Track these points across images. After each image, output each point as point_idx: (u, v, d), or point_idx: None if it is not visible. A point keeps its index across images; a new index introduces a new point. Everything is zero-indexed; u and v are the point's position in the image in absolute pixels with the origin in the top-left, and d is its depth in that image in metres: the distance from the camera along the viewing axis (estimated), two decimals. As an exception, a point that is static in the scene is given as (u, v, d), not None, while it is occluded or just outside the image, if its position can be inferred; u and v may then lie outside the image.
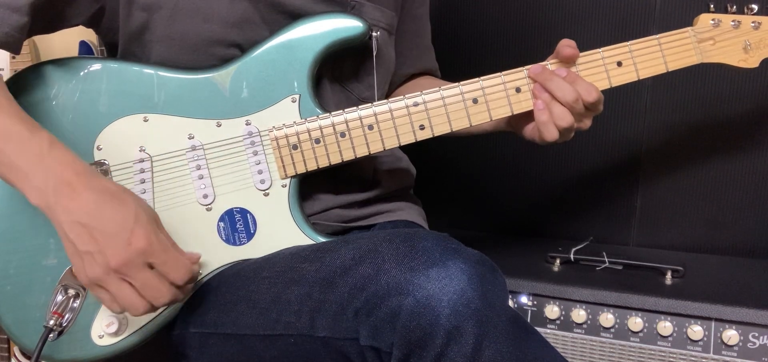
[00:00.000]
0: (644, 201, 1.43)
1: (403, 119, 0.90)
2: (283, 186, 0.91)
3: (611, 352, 1.14)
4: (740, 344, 1.07)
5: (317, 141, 0.90)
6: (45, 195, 0.75)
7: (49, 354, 0.88)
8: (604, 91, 0.92)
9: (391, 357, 0.73)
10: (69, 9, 0.88)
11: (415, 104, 0.90)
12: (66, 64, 0.89)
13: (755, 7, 0.94)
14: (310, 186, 0.94)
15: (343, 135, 0.90)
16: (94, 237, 0.74)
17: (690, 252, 1.39)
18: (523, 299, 1.19)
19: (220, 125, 0.89)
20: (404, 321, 0.71)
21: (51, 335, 0.86)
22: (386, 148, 0.91)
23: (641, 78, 0.93)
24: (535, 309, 1.18)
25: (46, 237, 0.87)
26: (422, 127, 0.90)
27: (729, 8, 0.95)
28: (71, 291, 0.88)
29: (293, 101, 0.90)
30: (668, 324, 1.11)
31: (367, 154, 0.90)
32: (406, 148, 0.95)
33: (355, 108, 0.90)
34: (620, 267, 1.26)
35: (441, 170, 1.54)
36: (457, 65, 1.14)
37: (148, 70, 0.89)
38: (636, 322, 1.12)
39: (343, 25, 0.90)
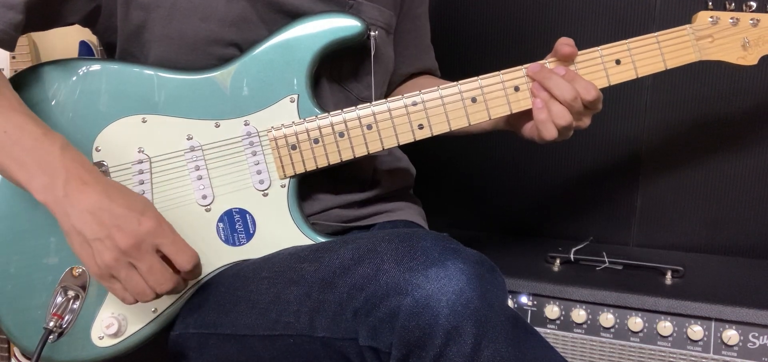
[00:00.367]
0: (644, 201, 1.43)
1: (402, 119, 0.90)
2: (282, 186, 0.91)
3: (611, 352, 1.14)
4: (740, 344, 1.07)
5: (316, 141, 0.90)
6: (53, 191, 0.76)
7: (49, 356, 0.88)
8: (603, 90, 0.92)
9: (390, 357, 0.73)
10: (64, 7, 0.88)
11: (414, 104, 0.90)
12: (65, 65, 0.89)
13: (754, 4, 0.94)
14: (309, 187, 0.94)
15: (341, 135, 0.90)
16: (103, 222, 0.75)
17: (690, 252, 1.39)
18: (523, 299, 1.19)
19: (219, 126, 0.89)
20: (403, 321, 0.71)
21: (51, 336, 0.86)
22: (385, 148, 0.90)
23: (640, 76, 0.93)
24: (535, 309, 1.18)
25: (46, 238, 0.87)
26: (421, 127, 0.90)
27: (727, 6, 0.95)
28: (71, 293, 0.88)
29: (292, 101, 0.90)
30: (668, 324, 1.10)
31: (366, 153, 0.90)
32: (405, 148, 0.95)
33: (353, 108, 0.90)
34: (620, 267, 1.26)
35: (441, 170, 1.54)
36: (455, 65, 1.13)
37: (147, 71, 0.89)
38: (636, 322, 1.12)
39: (341, 25, 0.90)
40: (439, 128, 0.91)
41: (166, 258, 0.79)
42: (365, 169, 1.01)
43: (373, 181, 1.03)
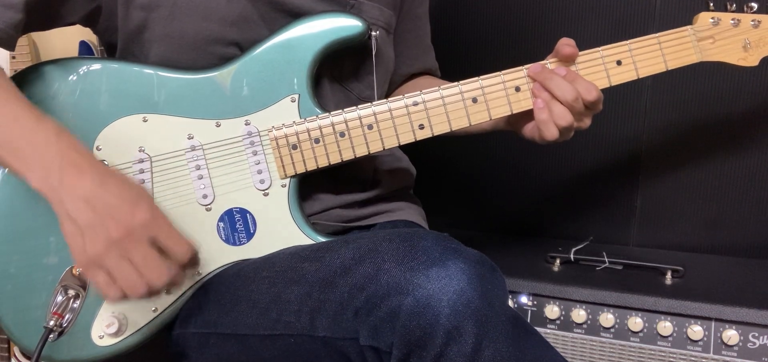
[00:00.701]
0: (644, 201, 1.43)
1: (403, 119, 0.90)
2: (283, 186, 0.91)
3: (611, 352, 1.14)
4: (740, 344, 1.07)
5: (317, 141, 0.90)
6: (48, 179, 0.76)
7: (49, 355, 0.88)
8: (603, 90, 0.92)
9: (391, 357, 0.73)
10: (64, 7, 0.88)
11: (415, 104, 0.90)
12: (66, 64, 0.89)
13: (755, 5, 0.94)
14: (309, 186, 0.94)
15: (342, 135, 0.90)
16: (96, 209, 0.75)
17: (690, 252, 1.39)
18: (523, 299, 1.19)
19: (220, 125, 0.89)
20: (404, 321, 0.71)
21: (51, 336, 0.86)
22: (386, 148, 0.90)
23: (641, 77, 0.93)
24: (535, 309, 1.18)
25: (47, 238, 0.87)
26: (422, 127, 0.90)
27: (728, 7, 0.95)
28: (71, 292, 0.88)
29: (293, 101, 0.90)
30: (668, 324, 1.10)
31: (367, 153, 0.90)
32: (405, 148, 0.95)
33: (354, 107, 0.90)
34: (620, 267, 1.26)
35: (441, 170, 1.53)
36: (456, 65, 1.13)
37: (148, 71, 0.89)
38: (636, 322, 1.12)
39: (342, 25, 0.90)
40: (440, 128, 0.91)
41: (162, 252, 0.78)
42: (366, 169, 1.01)
43: (374, 181, 1.03)
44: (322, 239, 0.91)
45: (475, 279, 0.71)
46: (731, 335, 1.07)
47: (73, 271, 0.88)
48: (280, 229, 0.90)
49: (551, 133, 0.89)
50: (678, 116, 1.37)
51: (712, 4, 0.95)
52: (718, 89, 1.32)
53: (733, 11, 0.95)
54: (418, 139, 0.91)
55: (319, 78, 0.93)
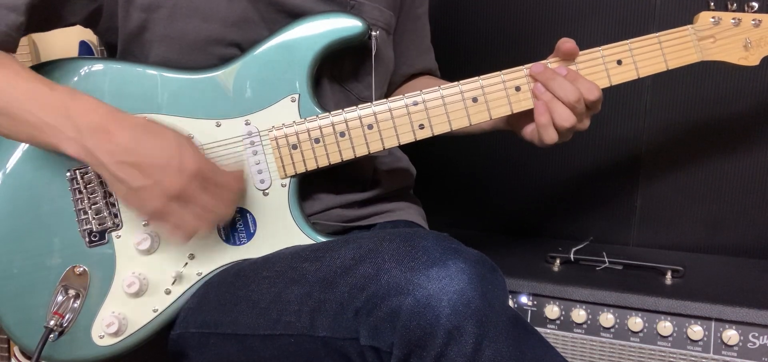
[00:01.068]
0: (644, 201, 1.43)
1: (403, 119, 0.90)
2: (283, 185, 0.91)
3: (611, 352, 1.14)
4: (740, 344, 1.07)
5: (317, 140, 0.90)
6: (82, 144, 0.77)
7: (50, 355, 0.88)
8: (604, 90, 0.92)
9: (391, 357, 0.73)
10: (66, 8, 0.88)
11: (415, 103, 0.90)
12: (67, 65, 0.89)
13: (755, 4, 0.94)
14: (310, 186, 0.94)
15: (342, 135, 0.90)
16: (143, 169, 0.77)
17: (690, 252, 1.39)
18: (523, 299, 1.19)
19: (220, 125, 0.89)
20: (404, 321, 0.71)
21: (51, 335, 0.86)
22: (386, 148, 0.90)
23: (641, 76, 0.93)
24: (535, 309, 1.18)
25: (48, 238, 0.87)
26: (422, 127, 0.90)
27: (729, 6, 0.95)
28: (72, 292, 0.88)
29: (293, 101, 0.90)
30: (668, 324, 1.10)
31: (367, 153, 0.90)
32: (405, 148, 0.95)
33: (354, 107, 0.90)
34: (620, 267, 1.26)
35: (441, 170, 1.53)
36: (456, 64, 1.13)
37: (150, 71, 0.89)
38: (636, 322, 1.12)
39: (342, 25, 0.90)
40: (440, 128, 0.91)
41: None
42: (366, 169, 1.01)
43: (374, 181, 1.03)
44: (322, 239, 0.91)
45: (476, 279, 0.71)
46: (731, 335, 1.07)
47: (75, 271, 0.88)
48: (280, 229, 0.90)
49: (551, 137, 0.89)
50: (678, 116, 1.37)
51: (712, 4, 0.95)
52: (718, 89, 1.32)
53: (733, 11, 0.95)
54: (418, 139, 0.91)
55: (319, 78, 0.93)
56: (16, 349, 1.44)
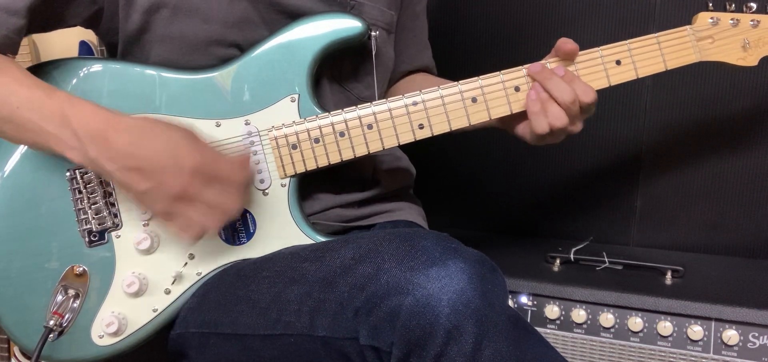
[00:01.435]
0: (644, 201, 1.43)
1: (402, 119, 0.90)
2: (283, 185, 0.91)
3: (611, 352, 1.14)
4: (740, 344, 1.07)
5: (316, 140, 0.90)
6: (83, 152, 0.78)
7: (49, 355, 0.88)
8: (602, 90, 0.92)
9: (391, 357, 0.73)
10: (67, 10, 0.88)
11: (414, 103, 0.90)
12: (67, 65, 0.89)
13: (754, 5, 0.94)
14: (309, 186, 0.94)
15: (342, 134, 0.90)
16: (146, 175, 0.77)
17: (690, 252, 1.39)
18: (523, 299, 1.19)
19: (220, 125, 0.89)
20: (404, 321, 0.71)
21: (51, 335, 0.86)
22: (385, 148, 0.90)
23: (640, 77, 0.93)
24: (535, 309, 1.18)
25: (48, 238, 0.87)
26: (421, 126, 0.90)
27: (728, 6, 0.95)
28: (71, 292, 0.88)
29: (292, 101, 0.90)
30: (668, 324, 1.10)
31: (367, 153, 0.90)
32: (405, 148, 0.95)
33: (354, 107, 0.90)
34: (620, 267, 1.26)
35: (441, 170, 1.54)
36: (456, 64, 1.14)
37: (149, 71, 0.89)
38: (636, 322, 1.12)
39: (342, 25, 0.90)
40: (440, 128, 0.91)
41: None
42: (365, 169, 1.01)
43: (373, 181, 1.03)
44: (322, 239, 0.91)
45: (475, 278, 0.71)
46: (731, 335, 1.07)
47: (74, 271, 0.88)
48: (280, 229, 0.91)
49: (542, 127, 0.88)
50: (678, 116, 1.37)
51: (711, 4, 0.95)
52: (717, 89, 1.32)
53: (732, 11, 0.95)
54: (417, 139, 0.91)
55: (318, 78, 0.93)
56: (16, 349, 1.44)
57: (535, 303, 1.18)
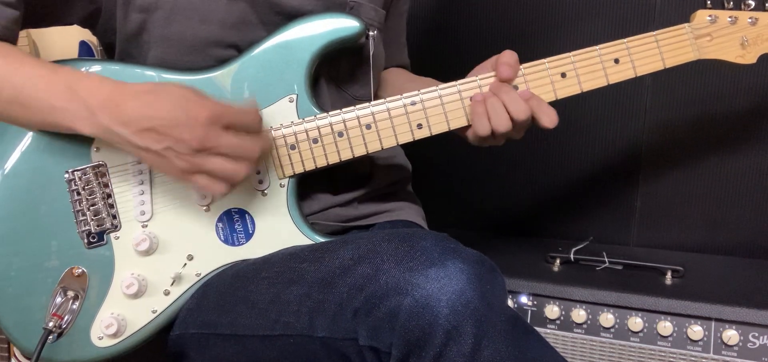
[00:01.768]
0: (644, 201, 1.43)
1: (401, 118, 0.90)
2: (281, 186, 0.91)
3: (611, 352, 1.14)
4: (740, 344, 1.07)
5: (315, 141, 0.90)
6: (95, 121, 0.78)
7: (49, 356, 0.88)
8: (602, 90, 0.92)
9: (390, 357, 0.73)
10: (64, 8, 0.89)
11: (413, 103, 0.90)
12: (66, 65, 0.89)
13: (752, 2, 0.94)
14: (308, 186, 0.94)
15: (340, 135, 0.90)
16: (162, 132, 0.77)
17: (690, 252, 1.39)
18: (523, 299, 1.19)
19: (219, 126, 0.89)
20: (403, 321, 0.71)
21: (50, 337, 0.86)
22: (384, 148, 0.90)
23: (638, 75, 0.93)
24: (535, 309, 1.18)
25: (47, 240, 0.87)
26: (420, 126, 0.90)
27: (726, 4, 0.95)
28: (70, 293, 0.88)
29: (291, 101, 0.90)
30: (668, 324, 1.10)
31: (365, 153, 0.90)
32: (405, 148, 0.95)
33: (352, 107, 0.90)
34: (620, 267, 1.26)
35: (440, 170, 1.54)
36: (456, 64, 1.14)
37: (147, 72, 0.89)
38: (636, 322, 1.12)
39: (340, 25, 0.90)
40: (438, 128, 0.91)
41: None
42: (361, 166, 1.01)
43: (370, 177, 1.03)
44: (320, 239, 0.91)
45: (474, 279, 0.71)
46: (731, 335, 1.07)
47: (73, 272, 0.88)
48: (279, 229, 0.90)
49: (484, 128, 0.87)
50: (678, 116, 1.37)
51: (709, 2, 0.95)
52: (717, 89, 1.32)
53: (730, 9, 0.95)
54: (416, 139, 0.91)
55: (316, 78, 0.93)
56: (15, 350, 1.44)
57: (535, 303, 1.18)
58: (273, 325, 0.82)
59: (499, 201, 1.55)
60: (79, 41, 1.42)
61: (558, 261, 1.28)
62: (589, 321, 1.15)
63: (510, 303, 1.18)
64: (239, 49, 0.91)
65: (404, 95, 0.90)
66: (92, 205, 0.88)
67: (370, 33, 0.94)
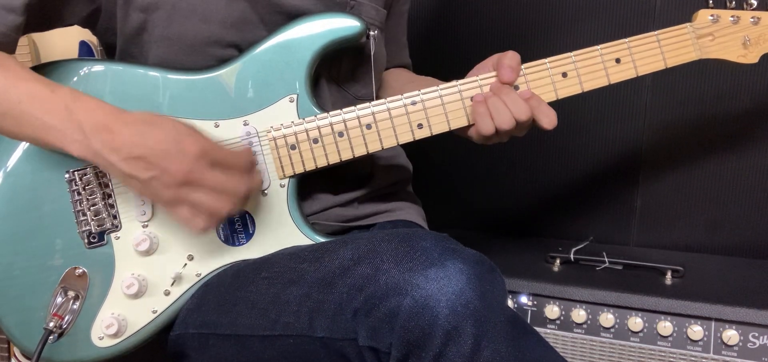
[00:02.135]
0: (644, 201, 1.43)
1: (402, 118, 0.90)
2: (282, 186, 0.91)
3: (611, 352, 1.14)
4: (740, 344, 1.07)
5: (315, 141, 0.90)
6: (87, 145, 0.78)
7: (50, 357, 0.88)
8: (602, 90, 0.92)
9: (390, 358, 0.73)
10: (65, 9, 0.89)
11: (413, 103, 0.90)
12: (67, 65, 0.89)
13: (754, 2, 0.94)
14: (308, 186, 0.94)
15: (341, 135, 0.90)
16: (151, 162, 0.77)
17: (690, 252, 1.39)
18: (523, 299, 1.19)
19: (218, 126, 0.89)
20: (403, 322, 0.71)
21: (51, 337, 0.86)
22: (384, 148, 0.90)
23: (640, 75, 0.93)
24: (535, 309, 1.18)
25: (48, 240, 0.87)
26: (420, 126, 0.90)
27: (728, 4, 0.94)
28: (71, 293, 0.88)
29: (291, 101, 0.90)
30: (668, 324, 1.10)
31: (366, 153, 0.90)
32: (405, 147, 0.95)
33: (352, 107, 0.90)
34: (620, 267, 1.26)
35: (441, 170, 1.54)
36: (456, 64, 1.13)
37: (151, 73, 0.89)
38: (636, 322, 1.12)
39: (341, 25, 0.90)
40: (439, 128, 0.91)
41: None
42: (362, 166, 1.01)
43: (371, 177, 1.03)
44: (321, 239, 0.91)
45: (474, 279, 0.71)
46: (731, 335, 1.07)
47: (74, 272, 0.88)
48: (279, 230, 0.90)
49: (488, 128, 0.87)
50: (678, 116, 1.37)
51: (711, 2, 0.95)
52: (718, 89, 1.32)
53: (732, 8, 0.95)
54: (416, 139, 0.91)
55: (316, 78, 0.93)
56: (15, 350, 1.44)
57: (535, 303, 1.18)
58: (273, 325, 0.82)
59: (499, 201, 1.55)
60: (79, 41, 1.42)
61: (558, 261, 1.28)
62: (589, 321, 1.15)
63: (510, 303, 1.18)
64: (240, 48, 0.91)
65: (405, 95, 0.90)
66: (93, 205, 0.88)
67: (371, 33, 0.94)
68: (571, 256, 1.29)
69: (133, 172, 0.78)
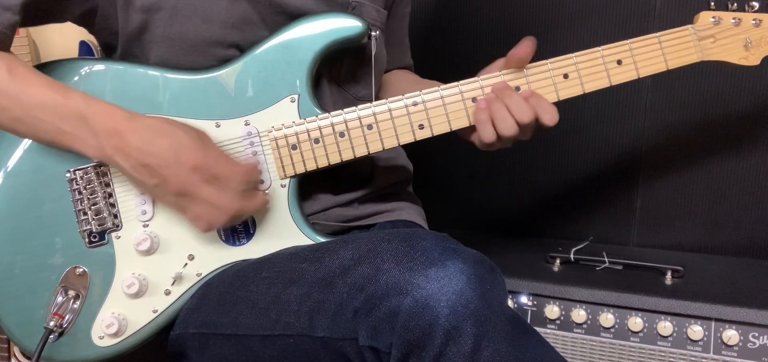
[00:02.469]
0: (644, 201, 1.43)
1: (402, 119, 0.90)
2: (283, 186, 0.91)
3: (611, 352, 1.14)
4: (740, 344, 1.07)
5: (316, 141, 0.90)
6: (100, 148, 0.82)
7: (50, 356, 0.88)
8: (603, 90, 0.92)
9: (390, 357, 0.73)
10: (59, 7, 0.89)
11: (414, 104, 0.90)
12: (68, 65, 0.89)
13: (756, 4, 0.94)
14: (309, 186, 0.94)
15: (342, 135, 0.90)
16: (154, 171, 0.81)
17: (690, 252, 1.39)
18: (523, 299, 1.19)
19: (219, 126, 0.89)
20: (403, 321, 0.71)
21: (51, 336, 0.86)
22: (385, 148, 0.90)
23: (641, 76, 0.93)
24: (535, 309, 1.18)
25: (49, 239, 0.87)
26: (421, 127, 0.90)
27: (729, 6, 0.94)
28: (71, 292, 0.88)
29: (292, 101, 0.90)
30: (668, 324, 1.10)
31: (367, 153, 0.90)
32: (405, 148, 0.95)
33: (353, 108, 0.90)
34: (620, 267, 1.26)
35: (441, 170, 1.54)
36: (456, 64, 1.14)
37: (151, 72, 0.89)
38: (636, 322, 1.12)
39: (342, 25, 0.90)
40: (440, 128, 0.91)
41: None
42: (363, 166, 1.01)
43: (371, 177, 1.03)
44: (321, 239, 0.91)
45: (474, 279, 0.71)
46: (731, 335, 1.07)
47: (75, 271, 0.88)
48: (280, 230, 0.90)
49: (489, 135, 0.88)
50: (678, 116, 1.37)
51: (713, 3, 0.95)
52: (718, 89, 1.32)
53: (734, 10, 0.95)
54: (417, 139, 0.91)
55: (317, 78, 0.93)
56: (16, 349, 1.44)
57: (535, 303, 1.18)
58: (273, 325, 0.82)
59: (499, 201, 1.55)
60: (79, 41, 1.42)
61: (558, 261, 1.28)
62: (589, 321, 1.15)
63: (510, 303, 1.18)
64: (241, 48, 0.91)
65: (406, 95, 0.90)
66: (93, 205, 0.88)
67: (373, 33, 0.94)
68: (571, 256, 1.29)
69: (141, 178, 0.82)
